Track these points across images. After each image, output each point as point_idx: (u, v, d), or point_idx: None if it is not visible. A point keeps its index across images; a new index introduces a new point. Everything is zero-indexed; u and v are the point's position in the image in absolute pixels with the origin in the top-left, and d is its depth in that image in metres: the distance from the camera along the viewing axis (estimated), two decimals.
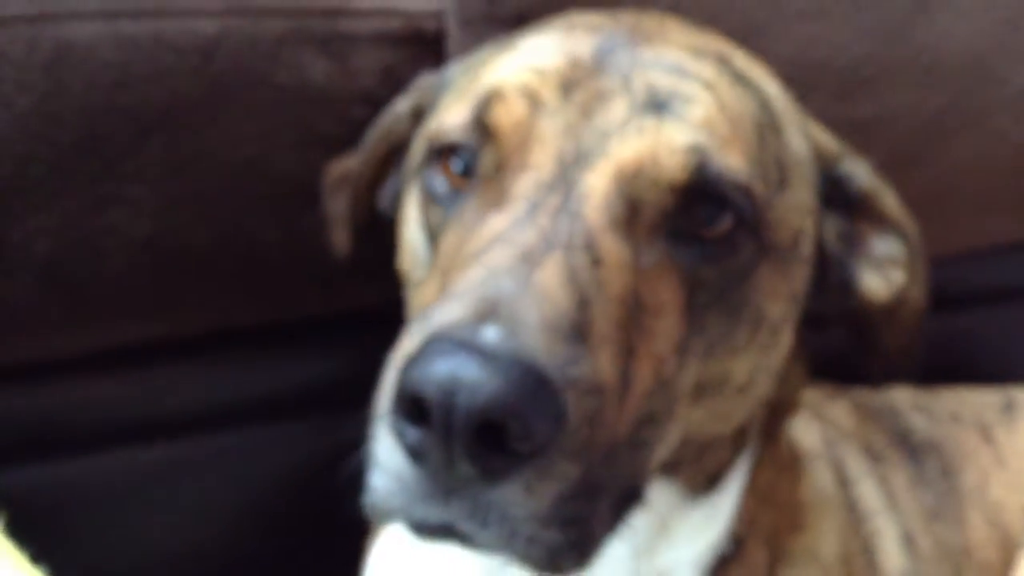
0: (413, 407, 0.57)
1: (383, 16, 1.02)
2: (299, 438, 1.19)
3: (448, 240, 0.72)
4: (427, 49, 1.04)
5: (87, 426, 1.08)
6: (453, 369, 0.55)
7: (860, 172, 0.87)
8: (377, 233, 1.00)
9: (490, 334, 0.56)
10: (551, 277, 0.61)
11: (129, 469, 1.14)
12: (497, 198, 0.69)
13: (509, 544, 0.60)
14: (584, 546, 0.63)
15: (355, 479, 1.02)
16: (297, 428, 1.19)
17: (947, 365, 1.37)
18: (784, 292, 0.77)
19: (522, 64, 0.74)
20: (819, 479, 1.01)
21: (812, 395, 1.20)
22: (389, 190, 0.98)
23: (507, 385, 0.55)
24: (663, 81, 0.72)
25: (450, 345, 0.56)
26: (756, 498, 0.90)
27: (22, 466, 1.06)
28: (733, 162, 0.70)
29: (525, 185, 0.67)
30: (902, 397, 1.27)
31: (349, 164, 1.00)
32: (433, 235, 0.74)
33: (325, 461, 1.19)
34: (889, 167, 1.22)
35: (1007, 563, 1.15)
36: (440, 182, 0.74)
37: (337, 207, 1.01)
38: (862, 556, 1.04)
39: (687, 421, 0.73)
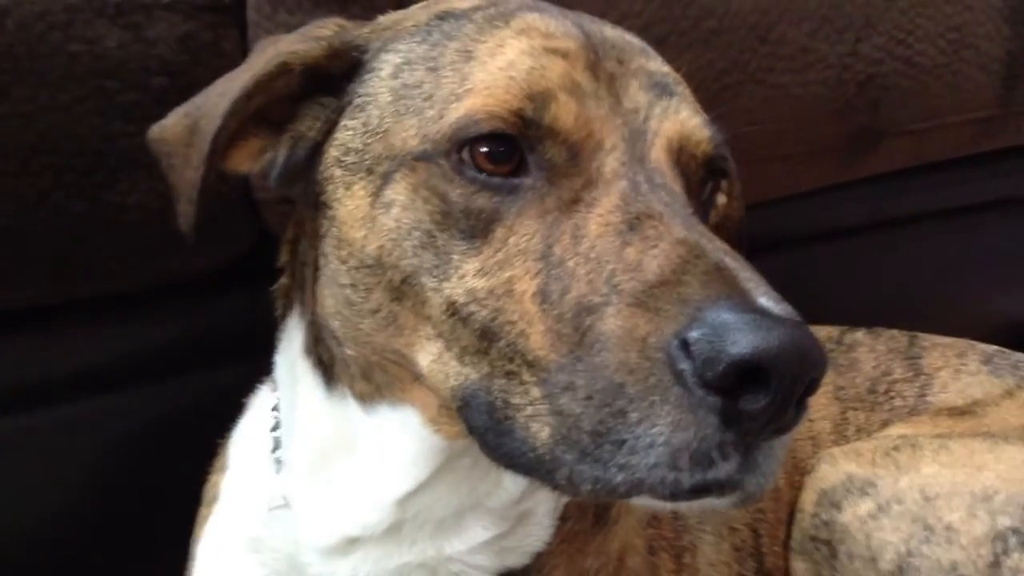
0: (747, 376, 0.60)
1: None
2: (129, 409, 1.20)
3: (528, 224, 0.73)
4: (225, 18, 1.05)
5: None
6: (790, 340, 0.60)
7: None
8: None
9: (772, 304, 0.63)
10: (720, 242, 0.70)
11: None
12: (585, 181, 0.73)
13: (764, 482, 0.66)
14: None
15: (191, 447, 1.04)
16: (126, 399, 1.19)
17: None
18: None
19: (539, 46, 0.77)
20: None
21: None
22: (278, 159, 0.85)
23: (819, 345, 0.63)
24: (649, 65, 0.81)
25: (759, 316, 0.61)
26: None
27: None
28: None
29: (612, 165, 0.74)
30: None
31: (192, 119, 0.84)
32: (476, 220, 0.73)
33: (155, 431, 1.21)
34: None
35: (795, 487, 1.25)
36: (475, 171, 0.74)
37: (185, 174, 0.83)
38: None
39: None
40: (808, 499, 1.21)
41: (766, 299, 0.64)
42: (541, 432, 0.68)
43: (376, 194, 0.78)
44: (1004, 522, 1.11)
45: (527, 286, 0.71)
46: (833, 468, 1.22)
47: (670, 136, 0.77)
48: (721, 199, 0.94)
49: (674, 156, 0.77)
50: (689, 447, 0.62)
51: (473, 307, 0.72)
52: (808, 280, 1.58)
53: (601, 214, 0.71)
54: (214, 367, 1.20)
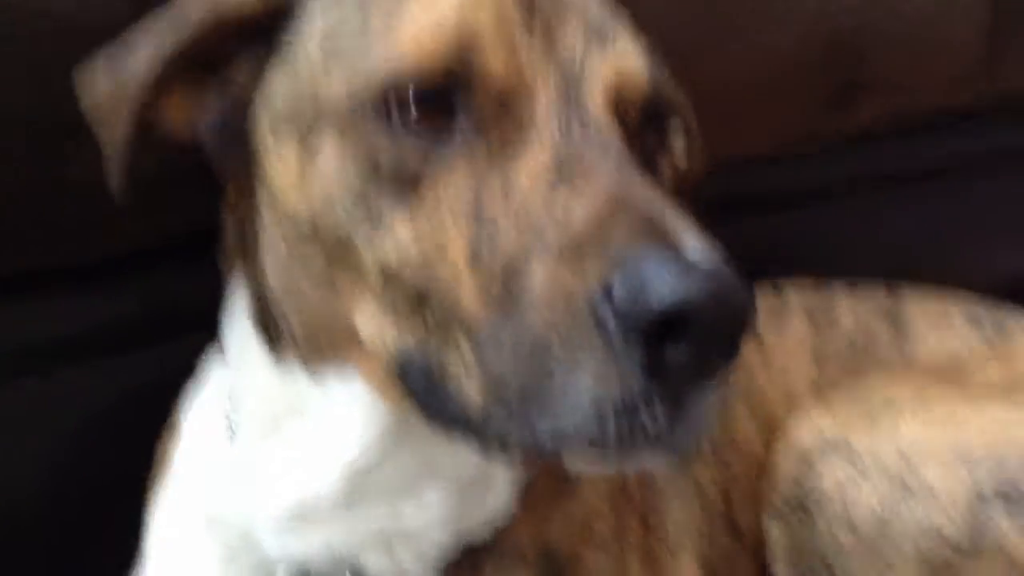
0: (668, 326, 0.59)
1: None
2: (92, 383, 1.18)
3: (457, 179, 0.70)
4: None
5: None
6: (713, 288, 0.58)
7: None
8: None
9: (699, 252, 0.61)
10: (655, 190, 0.67)
11: None
12: (515, 129, 0.71)
13: (695, 435, 0.64)
14: None
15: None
16: (89, 373, 1.17)
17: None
18: None
19: None
20: None
21: None
22: (210, 114, 0.83)
23: (746, 292, 0.61)
24: (588, 5, 0.78)
25: (682, 265, 0.59)
26: None
27: None
28: (666, 74, 0.81)
29: (544, 113, 0.71)
30: None
31: (121, 73, 0.81)
32: (406, 177, 0.71)
33: (120, 405, 1.19)
34: None
35: (769, 447, 1.22)
36: (403, 125, 0.71)
37: (114, 133, 0.81)
38: None
39: None
40: (782, 460, 1.19)
41: (694, 248, 0.61)
42: (474, 394, 0.66)
43: (305, 154, 0.75)
44: (986, 481, 1.08)
45: (458, 245, 0.68)
46: (808, 428, 1.19)
47: (607, 80, 0.74)
48: (679, 149, 0.91)
49: (612, 102, 0.74)
50: (614, 401, 0.60)
51: (406, 270, 0.70)
52: (794, 243, 1.55)
53: (531, 165, 0.68)
54: (180, 337, 1.17)
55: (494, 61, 0.71)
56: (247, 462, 0.89)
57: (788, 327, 1.34)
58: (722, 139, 1.38)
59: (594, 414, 0.61)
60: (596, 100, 0.73)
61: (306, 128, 0.76)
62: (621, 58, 0.76)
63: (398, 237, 0.71)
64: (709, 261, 0.60)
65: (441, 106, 0.71)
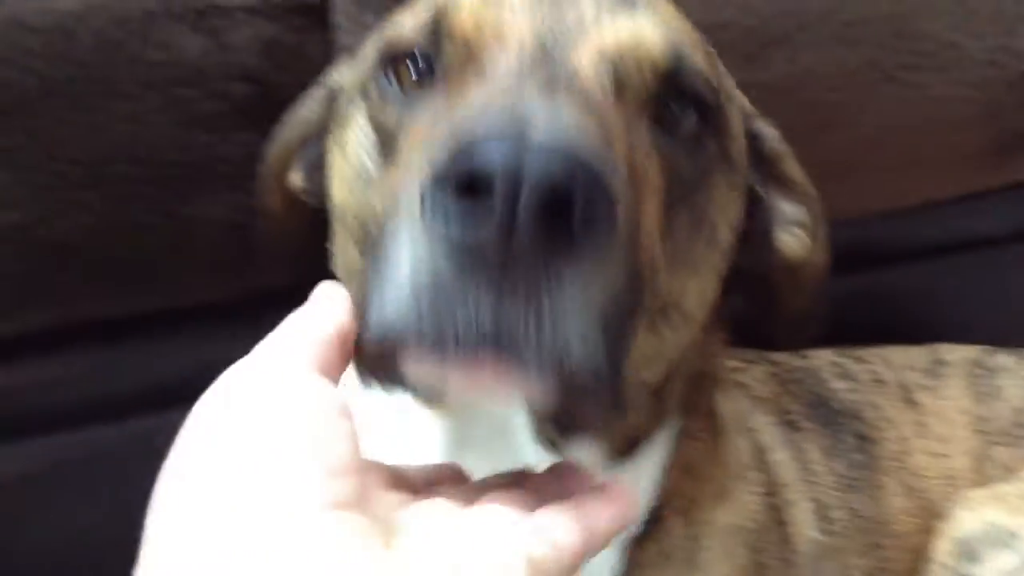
0: (467, 186, 0.50)
1: None
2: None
3: (412, 134, 0.66)
4: (311, 20, 0.99)
5: None
6: (519, 140, 0.50)
7: (771, 134, 0.86)
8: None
9: (546, 131, 0.52)
10: (571, 103, 0.58)
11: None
12: (474, 80, 0.64)
13: (551, 361, 0.53)
14: (613, 394, 0.57)
15: None
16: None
17: (875, 324, 1.33)
18: (732, 213, 0.77)
19: None
20: (737, 449, 0.98)
21: (728, 362, 1.17)
22: (305, 161, 0.89)
23: (574, 159, 0.51)
24: None
25: (510, 136, 0.51)
26: (679, 471, 0.88)
27: None
28: (700, 59, 0.72)
29: (507, 60, 0.64)
30: (824, 361, 1.23)
31: (268, 150, 0.91)
32: (388, 138, 0.69)
33: None
34: (806, 129, 1.17)
35: (927, 532, 1.12)
36: (394, 87, 0.70)
37: (264, 201, 0.92)
38: (776, 528, 1.02)
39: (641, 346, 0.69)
40: (942, 548, 1.08)
41: (544, 127, 0.52)
42: None
43: (343, 133, 0.78)
44: None
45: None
46: (972, 514, 1.09)
47: (608, 42, 0.66)
48: (792, 242, 0.85)
49: (609, 60, 0.66)
50: (425, 285, 0.52)
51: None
52: (948, 294, 1.44)
53: (470, 99, 0.61)
54: None
55: (465, 15, 0.67)
56: None
57: (946, 391, 1.23)
58: (865, 190, 1.31)
59: (411, 300, 0.53)
60: (583, 57, 0.65)
61: (337, 130, 0.78)
62: (637, 25, 0.68)
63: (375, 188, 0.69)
64: (550, 138, 0.52)
65: (424, 68, 0.69)
